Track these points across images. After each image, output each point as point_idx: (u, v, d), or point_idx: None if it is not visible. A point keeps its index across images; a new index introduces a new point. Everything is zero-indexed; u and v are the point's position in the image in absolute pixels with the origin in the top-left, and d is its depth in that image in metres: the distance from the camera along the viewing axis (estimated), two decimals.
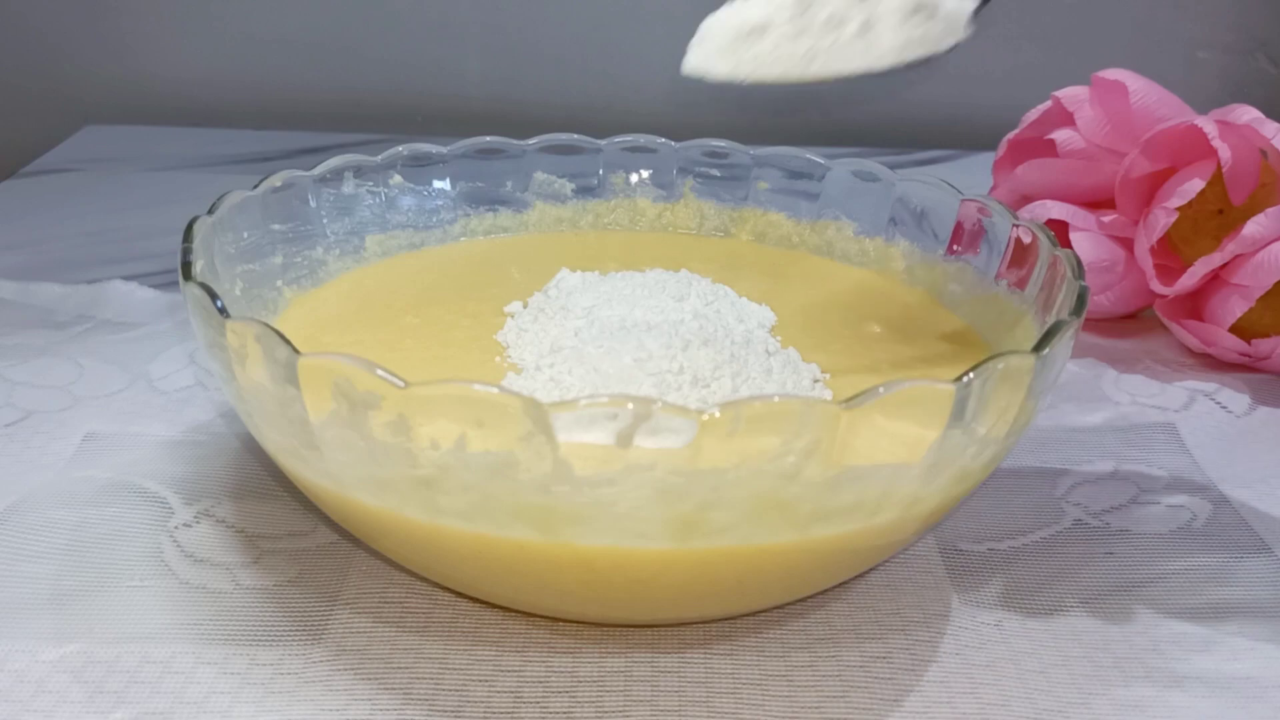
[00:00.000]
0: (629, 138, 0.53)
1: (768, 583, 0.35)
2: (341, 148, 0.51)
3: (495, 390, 0.30)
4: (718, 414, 0.29)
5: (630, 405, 0.29)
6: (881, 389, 0.30)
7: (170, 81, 0.90)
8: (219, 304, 0.35)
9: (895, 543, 0.37)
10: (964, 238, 0.47)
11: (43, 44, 0.89)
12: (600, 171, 0.54)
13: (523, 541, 0.32)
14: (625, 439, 0.29)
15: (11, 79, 0.90)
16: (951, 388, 0.31)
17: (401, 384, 0.30)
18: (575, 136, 0.53)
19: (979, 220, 0.46)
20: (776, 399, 0.30)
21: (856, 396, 0.30)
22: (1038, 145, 0.59)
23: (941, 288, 0.47)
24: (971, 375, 0.31)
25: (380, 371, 0.30)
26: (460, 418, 0.30)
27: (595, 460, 0.30)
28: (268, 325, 0.33)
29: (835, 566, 0.36)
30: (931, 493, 0.33)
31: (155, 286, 0.59)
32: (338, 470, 0.33)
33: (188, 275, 0.37)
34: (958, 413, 0.31)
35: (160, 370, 0.52)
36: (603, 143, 0.53)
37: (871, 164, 0.51)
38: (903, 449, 0.31)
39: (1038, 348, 0.33)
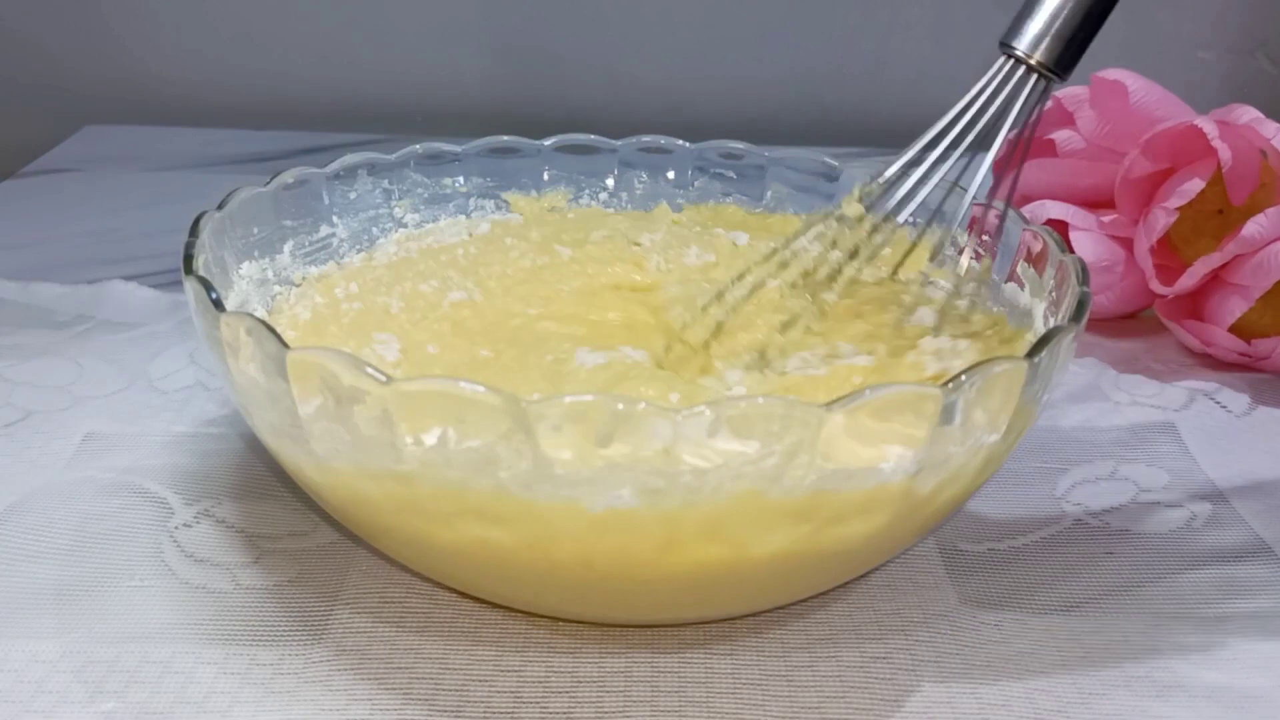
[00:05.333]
0: (647, 138, 0.53)
1: (763, 585, 0.35)
2: (341, 148, 0.51)
3: (478, 388, 0.30)
4: (698, 415, 0.29)
5: (611, 404, 0.29)
6: (868, 392, 0.30)
7: (170, 81, 0.90)
8: (214, 296, 0.35)
9: (892, 546, 0.37)
10: (978, 241, 0.47)
11: (43, 44, 0.89)
12: (615, 171, 0.54)
13: (515, 542, 0.32)
14: (605, 438, 0.29)
15: (11, 79, 0.90)
16: (938, 392, 0.30)
17: (384, 379, 0.30)
18: (591, 137, 0.53)
19: (992, 224, 0.46)
20: (761, 400, 0.30)
21: (841, 399, 0.30)
22: (1038, 145, 0.59)
23: (953, 289, 0.47)
24: (963, 379, 0.31)
25: (368, 368, 0.30)
26: (442, 414, 0.30)
27: (576, 459, 0.30)
28: (259, 319, 0.33)
29: (832, 569, 0.36)
30: (923, 496, 0.33)
31: (155, 286, 0.59)
32: (328, 464, 0.33)
33: (189, 269, 0.37)
34: (946, 417, 0.31)
35: (160, 370, 0.52)
36: (618, 143, 0.53)
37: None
38: (890, 452, 0.31)
39: (1031, 353, 0.33)
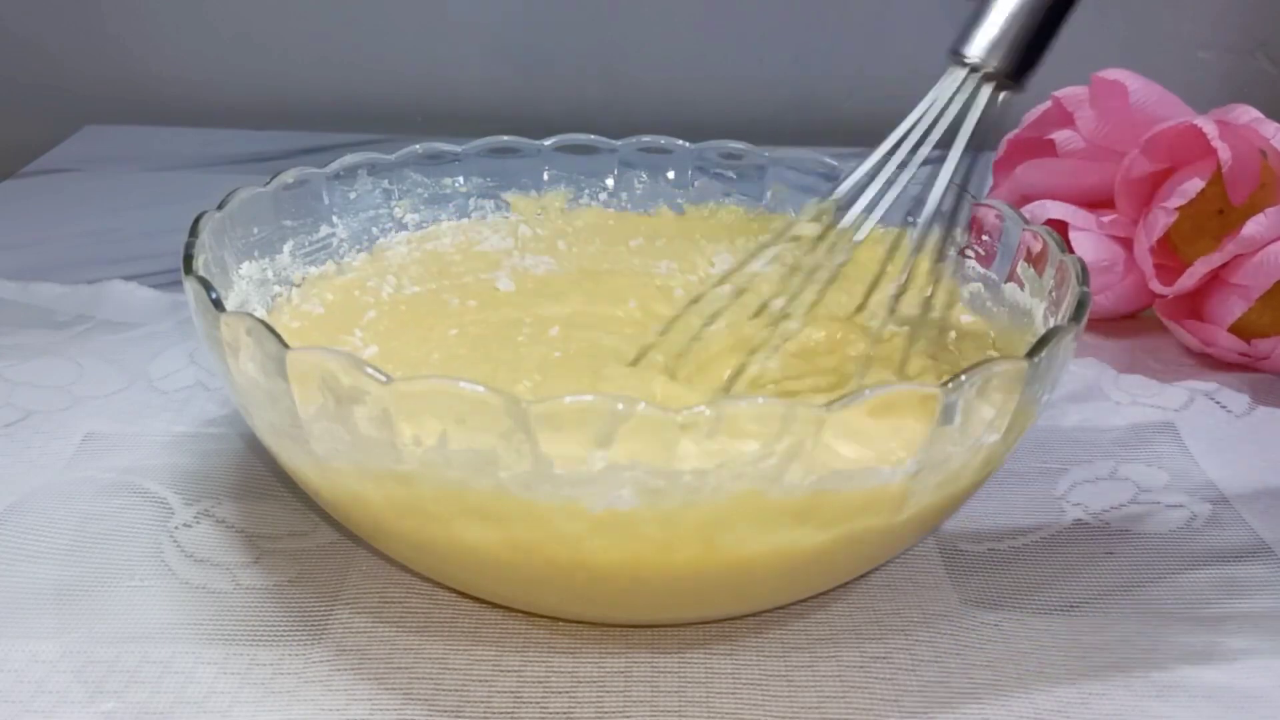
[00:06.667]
0: (647, 138, 0.53)
1: (764, 585, 0.35)
2: (341, 148, 0.51)
3: (478, 388, 0.30)
4: (699, 415, 0.29)
5: (612, 404, 0.29)
6: (868, 392, 0.30)
7: (170, 81, 0.90)
8: (213, 296, 0.35)
9: (893, 546, 0.37)
10: (978, 241, 0.47)
11: (43, 44, 0.89)
12: (615, 171, 0.53)
13: (515, 543, 0.32)
14: (605, 439, 0.29)
15: (11, 79, 0.90)
16: (938, 392, 0.30)
17: (385, 379, 0.30)
18: (591, 137, 0.53)
19: (992, 224, 0.46)
20: (762, 401, 0.30)
21: (840, 399, 0.30)
22: (1038, 145, 0.59)
23: (954, 290, 0.47)
24: (963, 379, 0.31)
25: (368, 368, 0.30)
26: (442, 414, 0.30)
27: (576, 459, 0.30)
28: (259, 319, 0.33)
29: (832, 569, 0.36)
30: (923, 497, 0.33)
31: (155, 286, 0.59)
32: (328, 464, 0.33)
33: (189, 269, 0.37)
34: (946, 417, 0.31)
35: (160, 370, 0.52)
36: (618, 143, 0.53)
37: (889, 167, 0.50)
38: (889, 453, 0.31)
39: (1031, 353, 0.33)
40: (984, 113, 0.38)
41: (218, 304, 0.35)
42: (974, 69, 0.38)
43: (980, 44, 0.37)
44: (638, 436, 0.29)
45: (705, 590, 0.34)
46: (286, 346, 0.32)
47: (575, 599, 0.35)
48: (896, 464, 0.31)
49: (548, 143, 0.52)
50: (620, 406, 0.29)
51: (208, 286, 0.36)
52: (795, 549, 0.32)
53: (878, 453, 0.31)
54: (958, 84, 0.38)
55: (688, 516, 0.31)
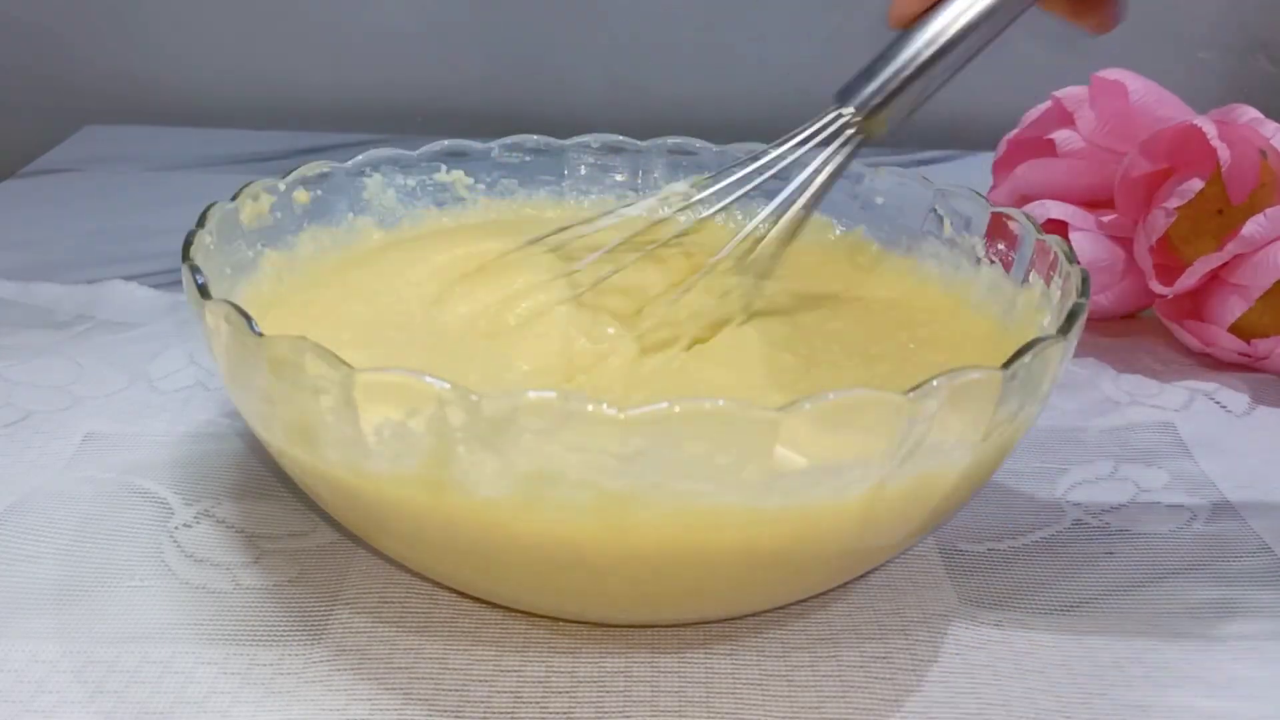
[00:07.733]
0: (676, 139, 0.53)
1: (749, 587, 0.35)
2: (340, 148, 0.51)
3: (443, 383, 0.29)
4: (644, 414, 0.29)
5: (559, 401, 0.29)
6: (831, 395, 0.29)
7: (170, 81, 0.90)
8: (200, 281, 0.36)
9: (870, 551, 0.36)
10: (994, 248, 0.46)
11: (43, 44, 0.89)
12: (640, 173, 0.53)
13: (507, 537, 0.32)
14: (549, 435, 0.29)
15: (11, 79, 0.90)
16: (902, 399, 0.30)
17: (346, 368, 0.30)
18: (619, 138, 0.53)
19: (1007, 232, 0.45)
20: (722, 403, 0.29)
21: (794, 403, 0.29)
22: (1038, 145, 0.59)
23: (967, 296, 0.46)
24: (934, 383, 0.30)
25: (333, 357, 0.30)
26: (399, 405, 0.30)
27: (530, 454, 0.30)
28: (236, 306, 0.33)
29: (817, 574, 0.36)
30: (895, 503, 0.32)
31: (155, 286, 0.59)
32: (292, 450, 0.34)
33: (186, 254, 0.38)
34: (910, 425, 0.30)
35: (160, 370, 0.52)
36: (644, 144, 0.53)
37: (909, 173, 0.49)
38: (853, 458, 0.30)
39: (1007, 364, 0.32)
40: (844, 159, 0.41)
41: (204, 290, 0.35)
42: (847, 119, 0.41)
43: (861, 98, 0.40)
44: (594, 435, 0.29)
45: (698, 591, 0.34)
46: (259, 334, 0.32)
47: (575, 599, 0.35)
48: (863, 472, 0.31)
49: (568, 142, 0.52)
50: (590, 407, 0.29)
51: (197, 272, 0.36)
52: (774, 552, 0.32)
53: (838, 458, 0.30)
54: (830, 126, 0.41)
55: (637, 517, 0.30)
